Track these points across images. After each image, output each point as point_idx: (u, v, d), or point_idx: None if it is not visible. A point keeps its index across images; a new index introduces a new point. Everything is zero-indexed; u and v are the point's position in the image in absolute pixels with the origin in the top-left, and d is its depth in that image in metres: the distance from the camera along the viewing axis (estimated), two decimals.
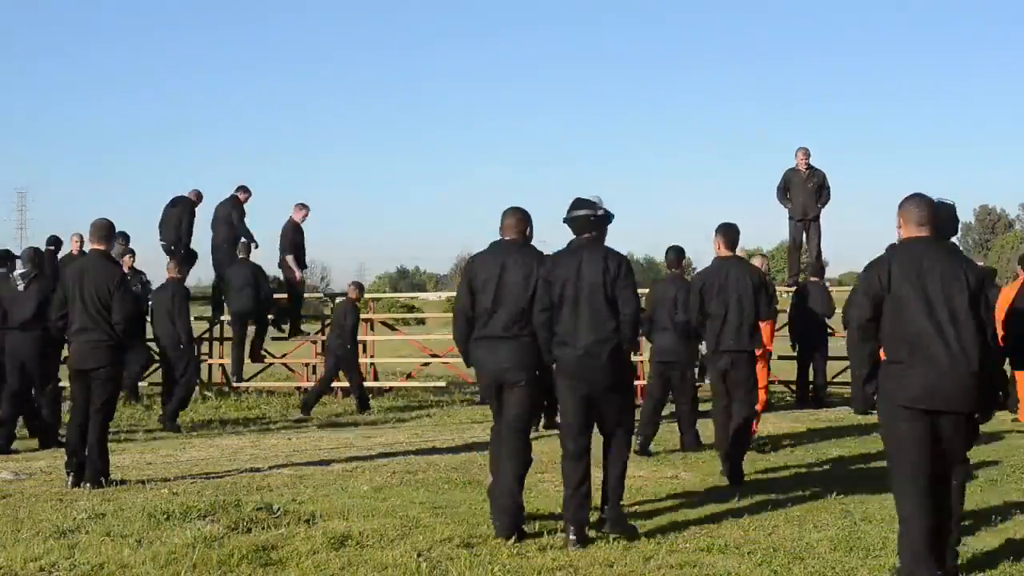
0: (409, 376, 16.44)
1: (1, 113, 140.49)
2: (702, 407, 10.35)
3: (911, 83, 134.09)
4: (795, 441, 10.04)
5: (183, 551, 5.59)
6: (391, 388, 15.54)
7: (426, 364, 15.90)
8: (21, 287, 10.01)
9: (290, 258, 15.00)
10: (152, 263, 15.33)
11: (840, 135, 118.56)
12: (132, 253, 14.33)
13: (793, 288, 14.50)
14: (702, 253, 40.69)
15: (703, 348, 8.91)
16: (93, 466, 7.73)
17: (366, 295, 17.18)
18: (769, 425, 11.38)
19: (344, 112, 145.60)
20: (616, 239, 13.95)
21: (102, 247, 8.05)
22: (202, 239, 15.70)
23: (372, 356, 16.54)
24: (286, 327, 15.47)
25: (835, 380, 14.38)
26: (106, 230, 8.10)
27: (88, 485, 7.63)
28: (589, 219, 6.11)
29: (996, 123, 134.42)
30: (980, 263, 13.50)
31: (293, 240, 15.09)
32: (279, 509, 6.66)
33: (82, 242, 13.97)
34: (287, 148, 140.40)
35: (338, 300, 14.83)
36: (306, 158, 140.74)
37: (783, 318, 13.74)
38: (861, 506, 6.85)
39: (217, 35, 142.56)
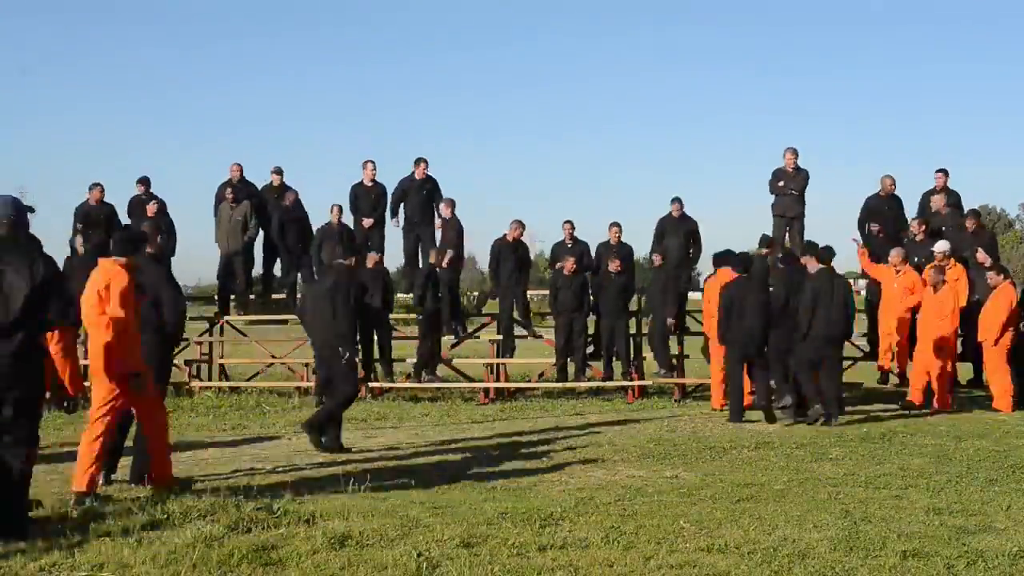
0: (409, 376, 16.40)
1: (1, 113, 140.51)
2: None
3: (911, 83, 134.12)
4: (795, 441, 10.04)
5: (183, 551, 5.60)
6: (391, 388, 15.52)
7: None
8: None
9: None
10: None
11: (839, 135, 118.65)
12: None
13: None
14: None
15: None
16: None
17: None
18: (769, 425, 11.39)
19: (341, 107, 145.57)
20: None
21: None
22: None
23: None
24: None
25: None
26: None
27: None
28: None
29: (996, 123, 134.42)
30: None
31: None
32: (279, 509, 6.66)
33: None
34: (283, 144, 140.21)
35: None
36: (305, 154, 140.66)
37: None
38: (861, 506, 6.85)
39: (218, 34, 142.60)
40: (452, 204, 15.45)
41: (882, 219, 14.57)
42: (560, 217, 21.18)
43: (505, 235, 15.27)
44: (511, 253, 15.21)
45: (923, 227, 14.02)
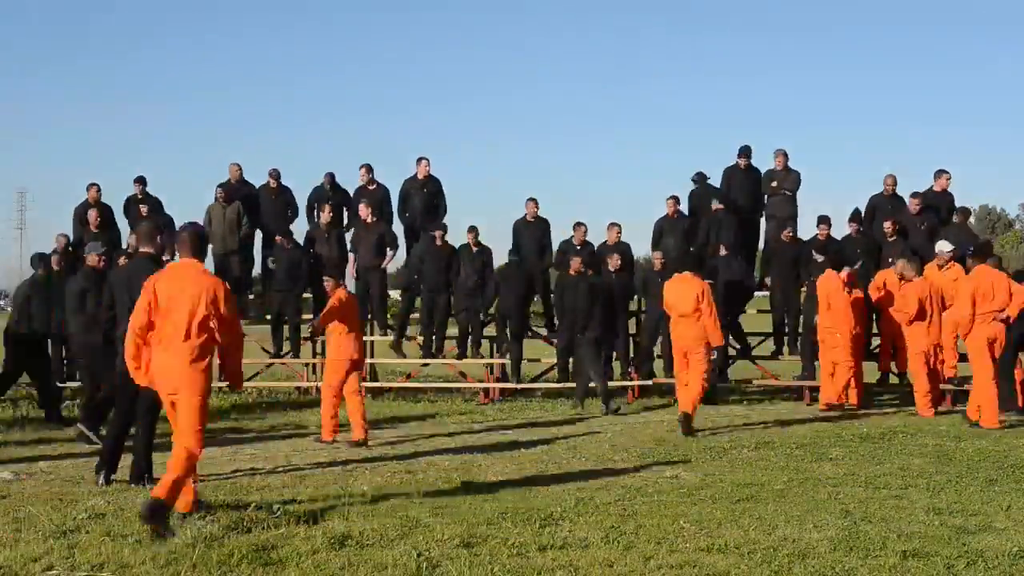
0: (409, 376, 16.44)
1: (1, 114, 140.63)
2: None
3: (912, 83, 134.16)
4: (795, 441, 10.05)
5: (183, 551, 5.60)
6: (391, 388, 15.54)
7: (426, 364, 15.89)
8: None
9: None
10: None
11: (839, 135, 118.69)
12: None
13: None
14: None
15: None
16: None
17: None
18: (769, 425, 11.39)
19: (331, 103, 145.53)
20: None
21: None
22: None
23: (372, 356, 16.53)
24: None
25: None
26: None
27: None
28: None
29: (997, 122, 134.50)
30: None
31: None
32: (279, 509, 6.66)
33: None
34: (276, 144, 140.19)
35: None
36: (295, 154, 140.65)
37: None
38: (861, 506, 6.85)
39: (216, 34, 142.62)
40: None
41: (885, 218, 14.57)
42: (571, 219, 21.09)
43: (525, 215, 15.30)
44: (530, 231, 15.21)
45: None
